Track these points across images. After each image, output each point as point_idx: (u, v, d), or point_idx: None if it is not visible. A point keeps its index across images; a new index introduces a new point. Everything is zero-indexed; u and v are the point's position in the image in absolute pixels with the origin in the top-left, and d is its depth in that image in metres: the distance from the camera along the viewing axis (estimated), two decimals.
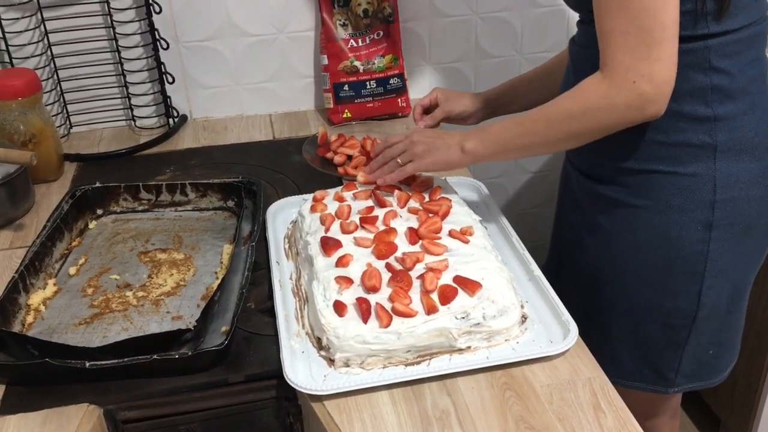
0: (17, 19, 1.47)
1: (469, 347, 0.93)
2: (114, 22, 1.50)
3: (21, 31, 1.48)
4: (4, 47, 1.46)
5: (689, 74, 0.97)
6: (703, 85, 0.98)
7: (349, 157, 1.39)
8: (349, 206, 1.11)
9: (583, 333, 0.94)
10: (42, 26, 1.48)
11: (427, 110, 1.36)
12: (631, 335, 1.13)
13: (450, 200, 1.12)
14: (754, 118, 1.01)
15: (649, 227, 1.05)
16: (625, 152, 1.04)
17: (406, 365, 0.91)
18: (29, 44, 1.49)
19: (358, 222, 1.08)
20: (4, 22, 1.44)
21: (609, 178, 1.08)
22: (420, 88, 1.74)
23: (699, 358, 1.14)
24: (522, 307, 0.98)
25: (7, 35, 1.45)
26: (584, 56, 1.05)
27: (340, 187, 1.19)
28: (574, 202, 1.18)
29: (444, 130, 1.22)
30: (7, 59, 1.47)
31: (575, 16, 1.10)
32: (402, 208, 1.11)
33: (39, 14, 1.47)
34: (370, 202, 1.13)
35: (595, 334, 0.97)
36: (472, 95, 1.35)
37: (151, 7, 1.47)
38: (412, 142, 1.11)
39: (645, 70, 0.89)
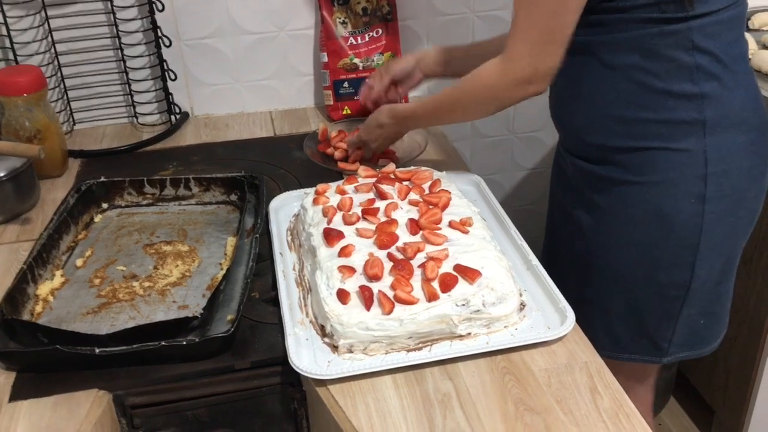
0: (21, 17, 1.49)
1: (469, 333, 0.95)
2: (117, 20, 1.52)
3: (25, 29, 1.50)
4: (8, 45, 1.48)
5: (675, 54, 1.03)
6: (689, 64, 1.04)
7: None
8: (351, 199, 1.14)
9: (579, 311, 0.97)
10: (46, 24, 1.50)
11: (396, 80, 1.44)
12: (626, 308, 1.17)
13: (449, 192, 1.15)
14: (738, 95, 1.07)
15: (645, 202, 1.10)
16: (619, 132, 1.09)
17: (408, 351, 0.93)
18: (33, 42, 1.51)
19: (359, 214, 1.10)
20: (8, 20, 1.46)
21: (604, 159, 1.12)
22: None
23: (691, 328, 1.18)
24: (520, 294, 1.01)
25: (11, 33, 1.47)
26: (580, 44, 1.09)
27: (342, 181, 1.21)
28: (568, 187, 1.22)
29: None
30: (11, 56, 1.49)
31: None
32: (403, 200, 1.14)
33: (43, 12, 1.49)
34: (371, 195, 1.16)
35: (591, 311, 1.01)
36: (438, 59, 1.40)
37: (154, 5, 1.49)
38: (361, 138, 1.37)
39: (534, 59, 1.06)
